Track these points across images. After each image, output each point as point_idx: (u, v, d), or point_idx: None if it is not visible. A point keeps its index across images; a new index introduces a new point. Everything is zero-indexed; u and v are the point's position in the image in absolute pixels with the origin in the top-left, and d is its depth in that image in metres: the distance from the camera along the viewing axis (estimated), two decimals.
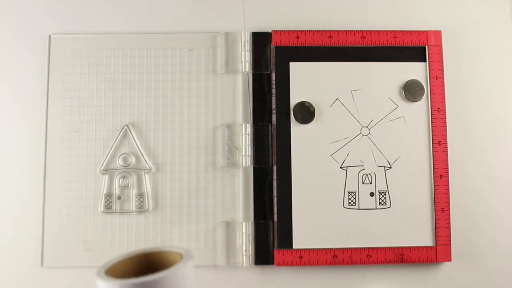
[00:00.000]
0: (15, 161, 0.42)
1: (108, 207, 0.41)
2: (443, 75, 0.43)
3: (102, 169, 0.42)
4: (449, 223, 0.41)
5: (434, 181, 0.42)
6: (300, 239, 0.41)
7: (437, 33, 0.43)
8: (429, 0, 0.45)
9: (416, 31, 0.43)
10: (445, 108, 0.42)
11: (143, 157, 0.42)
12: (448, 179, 0.41)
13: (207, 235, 0.41)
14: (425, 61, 0.43)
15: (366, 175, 0.42)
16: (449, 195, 0.41)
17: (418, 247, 0.41)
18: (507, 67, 0.44)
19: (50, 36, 0.43)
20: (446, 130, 0.42)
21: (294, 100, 0.42)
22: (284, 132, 0.42)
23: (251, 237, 0.41)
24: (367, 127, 0.42)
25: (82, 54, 0.43)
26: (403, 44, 0.43)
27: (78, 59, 0.43)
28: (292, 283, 0.40)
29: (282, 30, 0.43)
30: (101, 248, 0.41)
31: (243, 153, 0.42)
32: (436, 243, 0.41)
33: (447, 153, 0.42)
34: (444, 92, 0.42)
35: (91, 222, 0.41)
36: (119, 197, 0.42)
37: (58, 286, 0.41)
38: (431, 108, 0.42)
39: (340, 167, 0.42)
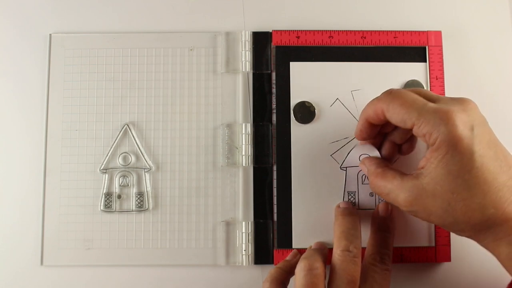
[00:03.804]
0: (15, 160, 0.42)
1: (108, 206, 0.42)
2: (443, 75, 0.43)
3: (102, 168, 0.42)
4: None
5: None
6: (300, 239, 0.41)
7: (437, 33, 0.43)
8: (429, 0, 0.45)
9: (416, 31, 0.43)
10: None
11: (143, 156, 0.42)
12: None
13: (207, 234, 0.41)
14: (425, 61, 0.43)
15: (366, 175, 0.42)
16: None
17: (418, 247, 0.41)
18: (508, 67, 0.44)
19: (50, 35, 0.43)
20: None
21: (294, 100, 0.42)
22: (284, 132, 0.42)
23: (250, 237, 0.41)
24: None
25: (82, 53, 0.43)
26: (403, 44, 0.43)
27: (79, 58, 0.43)
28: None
29: (283, 30, 0.43)
30: (101, 247, 0.41)
31: (243, 153, 0.42)
32: (435, 243, 0.41)
33: None
34: (444, 92, 0.42)
35: (91, 221, 0.41)
36: (119, 196, 0.42)
37: (57, 285, 0.41)
38: None
39: (340, 167, 0.42)
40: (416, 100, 0.33)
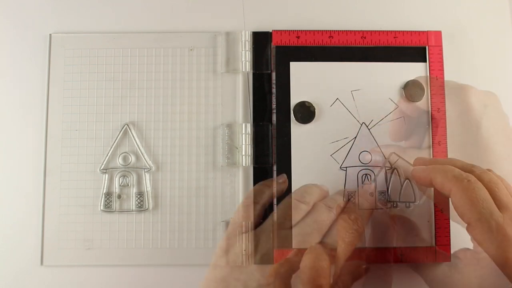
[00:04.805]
0: (15, 161, 0.42)
1: (108, 206, 0.42)
2: (443, 75, 0.43)
3: (102, 168, 0.42)
4: (449, 223, 0.41)
5: None
6: (300, 239, 0.41)
7: (437, 33, 0.43)
8: (429, 0, 0.45)
9: (416, 31, 0.43)
10: (445, 108, 0.42)
11: (143, 156, 0.42)
12: None
13: (207, 234, 0.41)
14: (425, 61, 0.43)
15: (366, 175, 0.42)
16: None
17: (418, 247, 0.41)
18: (508, 67, 0.44)
19: (50, 35, 0.43)
20: (446, 130, 0.42)
21: (294, 100, 0.42)
22: (284, 132, 0.42)
23: (250, 237, 0.41)
24: (367, 127, 0.42)
25: (82, 53, 0.43)
26: (403, 44, 0.43)
27: (79, 58, 0.43)
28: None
29: (283, 30, 0.43)
30: (101, 247, 0.41)
31: (243, 153, 0.42)
32: (435, 243, 0.41)
33: (447, 153, 0.42)
34: (444, 92, 0.42)
35: (91, 221, 0.41)
36: (119, 196, 0.42)
37: (57, 285, 0.41)
38: (431, 108, 0.42)
39: (340, 167, 0.42)
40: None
